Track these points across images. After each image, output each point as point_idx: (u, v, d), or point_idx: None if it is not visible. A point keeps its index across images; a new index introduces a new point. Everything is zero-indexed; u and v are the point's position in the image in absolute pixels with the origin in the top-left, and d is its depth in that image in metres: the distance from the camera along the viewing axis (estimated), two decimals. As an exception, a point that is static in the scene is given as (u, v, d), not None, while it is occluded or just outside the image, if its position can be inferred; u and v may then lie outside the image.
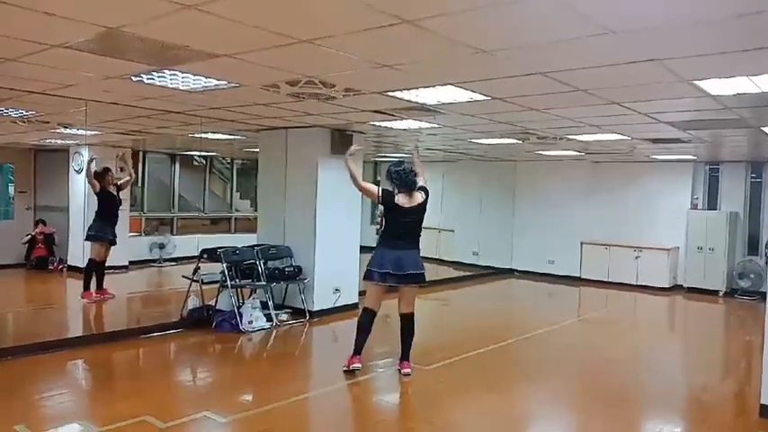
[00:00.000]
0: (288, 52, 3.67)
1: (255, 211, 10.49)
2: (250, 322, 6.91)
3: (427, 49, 3.56)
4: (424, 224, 5.47)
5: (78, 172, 10.35)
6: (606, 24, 2.97)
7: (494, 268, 12.73)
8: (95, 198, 8.41)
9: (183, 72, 4.42)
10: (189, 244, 11.63)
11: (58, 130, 8.35)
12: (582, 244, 11.84)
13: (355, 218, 8.23)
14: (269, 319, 7.14)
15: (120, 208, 8.78)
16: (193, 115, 6.68)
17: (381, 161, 14.10)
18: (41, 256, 11.36)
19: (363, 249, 8.37)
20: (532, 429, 4.72)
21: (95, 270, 8.38)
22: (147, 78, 4.66)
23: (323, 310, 7.69)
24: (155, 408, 4.37)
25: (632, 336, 7.96)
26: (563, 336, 7.53)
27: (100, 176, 8.36)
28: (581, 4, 2.71)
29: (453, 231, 13.62)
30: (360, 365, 5.38)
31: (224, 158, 14.63)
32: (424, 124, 6.95)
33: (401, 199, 5.31)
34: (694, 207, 11.03)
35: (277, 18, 3.07)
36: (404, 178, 5.32)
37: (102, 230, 8.36)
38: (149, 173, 13.03)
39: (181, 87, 4.98)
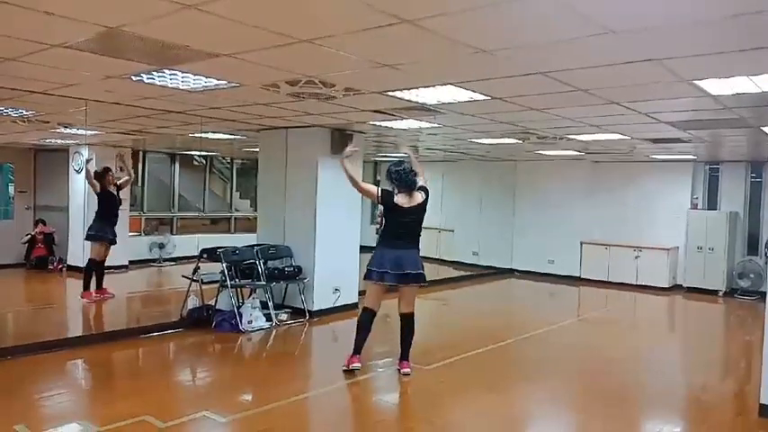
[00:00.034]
0: (288, 52, 3.67)
1: (255, 210, 10.49)
2: (250, 322, 6.91)
3: (427, 48, 3.56)
4: (423, 224, 5.47)
5: (78, 172, 10.36)
6: (606, 24, 2.97)
7: (494, 268, 12.73)
8: (95, 198, 8.41)
9: (183, 72, 4.42)
10: (189, 244, 11.63)
11: (57, 130, 8.35)
12: (582, 244, 11.85)
13: (355, 218, 8.23)
14: (269, 318, 7.14)
15: (120, 208, 8.79)
16: (193, 115, 6.68)
17: (381, 161, 14.11)
18: (41, 256, 11.36)
19: (363, 249, 8.37)
20: (532, 429, 4.72)
21: (95, 270, 8.38)
22: (148, 78, 4.66)
23: (323, 309, 7.69)
24: (154, 407, 4.37)
25: (632, 335, 7.97)
26: (563, 336, 7.54)
27: (100, 176, 8.36)
28: (581, 3, 2.71)
29: (453, 231, 13.62)
30: (359, 365, 5.38)
31: (224, 158, 14.63)
32: (424, 124, 6.95)
33: (401, 199, 5.31)
34: (694, 207, 11.03)
35: (277, 18, 3.07)
36: (403, 178, 5.32)
37: (103, 230, 8.36)
38: (149, 172, 13.03)
39: (181, 87, 4.98)
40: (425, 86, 4.73)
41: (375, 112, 6.16)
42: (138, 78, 4.67)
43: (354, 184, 5.39)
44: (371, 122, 7.00)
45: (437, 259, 13.17)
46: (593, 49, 3.41)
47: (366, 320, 5.39)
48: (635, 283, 11.09)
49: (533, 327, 7.61)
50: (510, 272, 12.64)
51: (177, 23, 3.15)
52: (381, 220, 5.88)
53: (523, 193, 12.78)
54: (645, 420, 4.81)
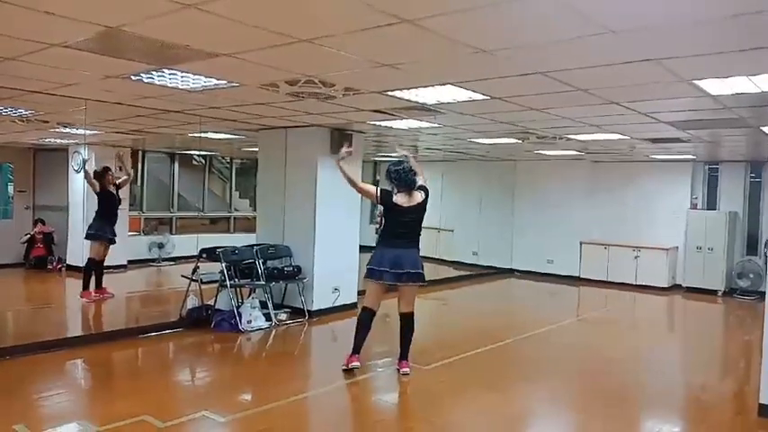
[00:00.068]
0: (287, 52, 3.67)
1: (254, 210, 10.49)
2: (249, 322, 6.91)
3: (427, 48, 3.56)
4: (423, 224, 5.46)
5: (77, 171, 10.35)
6: (606, 24, 2.97)
7: (493, 268, 12.73)
8: (95, 197, 8.42)
9: (182, 71, 4.42)
10: (188, 243, 11.59)
11: (57, 130, 8.35)
12: (581, 244, 11.85)
13: (354, 217, 8.23)
14: (268, 318, 7.13)
15: (120, 207, 8.79)
16: (193, 114, 6.68)
17: (381, 161, 14.11)
18: (40, 256, 11.35)
19: (363, 249, 8.37)
20: (532, 429, 4.72)
21: (95, 269, 8.38)
22: (147, 78, 4.66)
23: (322, 309, 7.68)
24: (153, 407, 4.37)
25: (631, 335, 7.97)
26: (562, 335, 7.54)
27: (100, 176, 8.37)
28: (581, 3, 2.71)
29: (453, 231, 13.62)
30: (358, 364, 5.37)
31: (223, 158, 14.62)
32: (423, 124, 6.95)
33: (400, 198, 5.31)
34: (694, 207, 11.04)
35: (277, 17, 3.07)
36: (403, 177, 5.32)
37: (102, 229, 8.37)
38: (148, 172, 13.02)
39: (180, 87, 4.98)
40: (425, 86, 4.73)
41: (375, 111, 6.16)
42: (138, 78, 4.67)
43: (353, 184, 5.39)
44: (371, 122, 7.00)
45: (437, 259, 13.16)
46: (593, 48, 3.41)
47: (366, 319, 5.38)
48: (634, 283, 11.09)
49: (533, 326, 7.61)
50: (509, 272, 12.64)
51: (177, 23, 3.15)
52: (381, 219, 5.88)
53: (523, 192, 12.78)
54: (645, 420, 4.81)
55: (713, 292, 10.52)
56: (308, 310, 7.55)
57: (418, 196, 5.35)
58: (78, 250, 9.11)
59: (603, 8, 2.77)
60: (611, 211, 11.66)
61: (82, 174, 9.01)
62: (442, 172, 13.40)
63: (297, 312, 7.54)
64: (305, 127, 7.55)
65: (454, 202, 13.50)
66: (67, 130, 8.31)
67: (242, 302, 7.15)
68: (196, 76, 4.59)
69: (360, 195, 6.07)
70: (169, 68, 4.34)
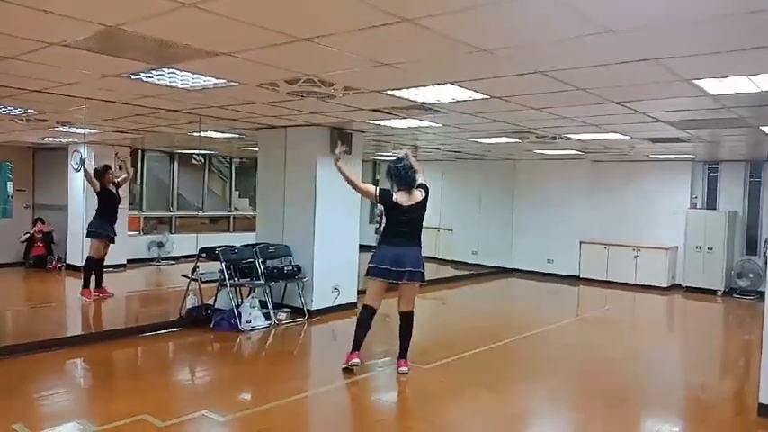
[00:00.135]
0: (287, 51, 3.66)
1: (254, 209, 10.48)
2: (249, 321, 6.91)
3: (427, 47, 3.56)
4: (423, 223, 5.46)
5: (77, 170, 10.34)
6: (606, 24, 2.97)
7: (493, 267, 12.73)
8: (94, 196, 8.42)
9: (181, 70, 4.42)
10: (187, 242, 11.59)
11: (56, 129, 8.34)
12: (581, 243, 11.85)
13: (354, 216, 8.22)
14: (267, 317, 7.13)
15: (119, 206, 8.78)
16: (192, 114, 6.68)
17: (380, 161, 14.10)
18: (40, 255, 11.34)
19: (362, 248, 8.37)
20: (531, 429, 4.72)
21: (94, 268, 8.38)
22: (146, 77, 4.65)
23: (322, 308, 7.68)
24: (153, 406, 4.37)
25: (631, 335, 7.97)
26: (562, 335, 7.54)
27: (100, 175, 8.37)
28: (581, 3, 2.70)
29: (452, 231, 13.62)
30: (358, 361, 5.37)
31: (223, 157, 14.61)
32: (423, 123, 6.94)
33: (400, 197, 5.30)
34: (693, 206, 11.04)
35: (276, 16, 3.07)
36: (403, 174, 5.31)
37: (103, 227, 8.37)
38: (148, 171, 13.01)
39: (180, 86, 4.97)
40: (425, 85, 4.73)
41: (374, 111, 6.15)
42: (137, 77, 4.66)
43: (352, 185, 5.40)
44: (371, 121, 7.00)
45: (436, 258, 13.16)
46: (593, 48, 3.41)
47: (366, 317, 5.38)
48: (634, 283, 11.09)
49: (532, 326, 7.61)
50: (509, 271, 12.63)
51: (176, 22, 3.15)
52: (380, 219, 5.87)
53: (523, 192, 12.78)
54: (645, 420, 4.81)
55: (713, 292, 10.52)
56: (308, 310, 7.54)
57: (418, 195, 5.35)
58: (78, 249, 9.10)
59: (603, 8, 2.77)
60: (610, 211, 11.66)
61: (81, 173, 9.01)
62: (441, 171, 13.39)
63: (296, 312, 7.54)
64: (305, 126, 7.54)
65: (454, 201, 13.50)
66: (67, 129, 8.31)
67: (241, 302, 7.15)
68: (195, 75, 4.59)
69: (359, 195, 6.06)
70: (169, 67, 4.33)
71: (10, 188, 12.40)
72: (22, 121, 7.47)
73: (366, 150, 10.50)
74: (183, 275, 7.42)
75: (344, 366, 5.37)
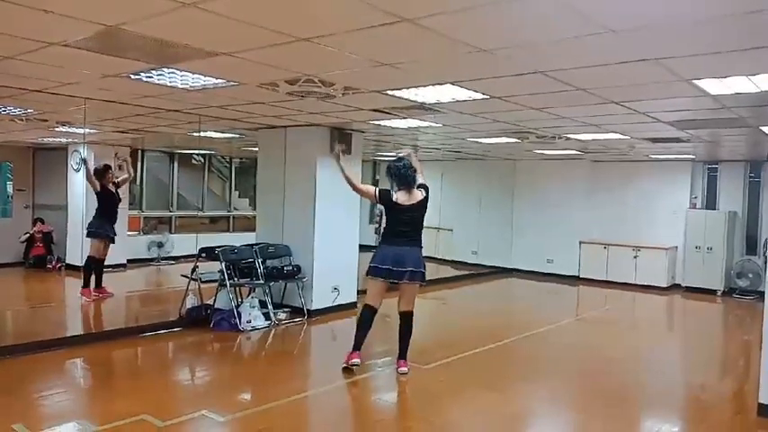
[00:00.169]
0: (287, 51, 3.66)
1: (254, 209, 10.48)
2: (248, 321, 6.90)
3: (427, 47, 3.56)
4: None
5: (77, 170, 10.34)
6: (606, 24, 2.97)
7: (493, 267, 12.73)
8: (94, 196, 8.41)
9: (181, 70, 4.41)
10: (187, 242, 11.61)
11: (56, 129, 8.34)
12: (581, 243, 11.85)
13: (354, 217, 8.22)
14: (267, 317, 7.13)
15: (119, 206, 8.78)
16: (192, 113, 6.68)
17: (380, 161, 14.10)
18: (39, 255, 11.34)
19: (362, 248, 8.37)
20: (531, 429, 4.72)
21: (94, 268, 8.38)
22: (146, 77, 4.65)
23: (321, 309, 7.68)
24: (153, 406, 4.37)
25: (631, 335, 7.97)
26: (562, 335, 7.54)
27: (100, 175, 8.37)
28: (580, 3, 2.70)
29: (452, 231, 13.62)
30: (359, 361, 5.37)
31: (223, 157, 14.61)
32: (423, 123, 6.94)
33: (400, 197, 5.31)
34: (693, 206, 11.04)
35: (276, 16, 3.07)
36: (403, 174, 5.32)
37: (103, 227, 8.37)
38: (148, 171, 13.01)
39: (180, 86, 4.97)
40: (425, 85, 4.73)
41: (374, 111, 6.15)
42: (137, 77, 4.66)
43: (352, 185, 5.40)
44: (371, 121, 7.00)
45: (436, 258, 13.15)
46: (593, 48, 3.41)
47: (367, 317, 5.38)
48: (634, 283, 11.09)
49: (532, 326, 7.61)
50: (509, 271, 12.63)
51: (176, 22, 3.15)
52: (380, 219, 5.88)
53: (522, 192, 12.78)
54: (645, 420, 4.81)
55: (712, 292, 10.52)
56: (308, 310, 7.54)
57: (418, 194, 5.35)
58: (77, 249, 9.11)
59: (603, 8, 2.77)
60: (610, 211, 11.67)
61: (81, 173, 9.01)
62: (441, 171, 13.39)
63: (296, 312, 7.53)
64: (304, 126, 7.54)
65: (454, 201, 13.49)
66: (67, 129, 8.30)
67: (241, 302, 7.15)
68: (195, 75, 4.59)
69: (359, 195, 6.06)
70: (168, 67, 4.33)
71: (10, 188, 12.40)
72: (22, 120, 7.47)
73: (366, 150, 10.50)
74: (182, 275, 7.42)
75: (344, 366, 5.37)
